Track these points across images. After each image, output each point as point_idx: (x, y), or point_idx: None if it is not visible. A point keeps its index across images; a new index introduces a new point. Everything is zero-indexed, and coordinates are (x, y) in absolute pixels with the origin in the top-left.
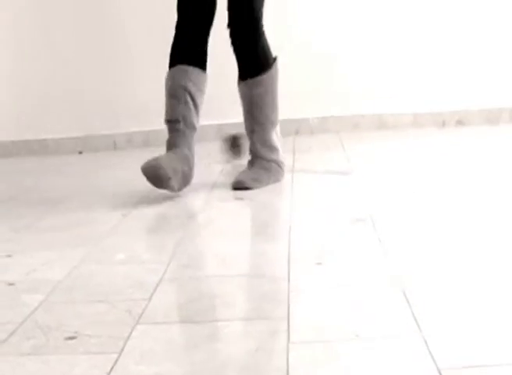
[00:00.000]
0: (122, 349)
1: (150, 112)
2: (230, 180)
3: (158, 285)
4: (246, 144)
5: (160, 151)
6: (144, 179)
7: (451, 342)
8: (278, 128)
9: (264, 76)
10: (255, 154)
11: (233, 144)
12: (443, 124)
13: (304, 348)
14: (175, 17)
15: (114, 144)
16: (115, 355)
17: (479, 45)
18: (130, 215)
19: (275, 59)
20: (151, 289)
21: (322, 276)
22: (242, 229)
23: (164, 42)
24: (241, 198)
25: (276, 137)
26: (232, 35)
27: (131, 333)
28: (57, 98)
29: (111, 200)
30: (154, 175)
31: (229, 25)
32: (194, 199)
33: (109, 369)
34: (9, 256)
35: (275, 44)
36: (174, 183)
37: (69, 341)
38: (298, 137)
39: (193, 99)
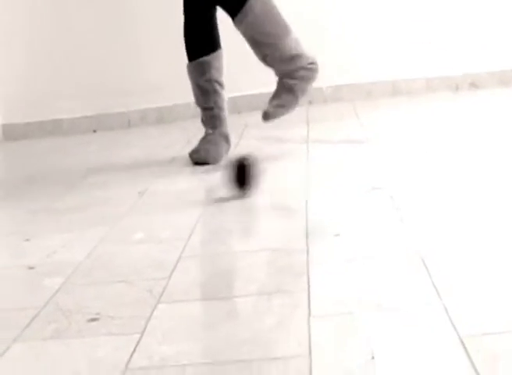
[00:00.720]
0: (145, 329)
1: (162, 89)
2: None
3: (177, 263)
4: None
5: (174, 126)
6: (161, 157)
7: (471, 310)
8: (293, 38)
9: (247, 6)
10: (278, 73)
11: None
12: (457, 88)
13: (326, 321)
14: None
15: (128, 122)
16: (138, 336)
17: (490, 7)
18: (147, 193)
19: None
20: (170, 267)
21: (341, 247)
22: (259, 202)
23: (175, 19)
24: None
25: (294, 46)
26: None
27: (152, 312)
28: (70, 77)
29: (126, 178)
30: (203, 161)
31: None
32: (210, 174)
33: (132, 349)
34: (28, 240)
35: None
36: (219, 161)
37: (91, 323)
38: (312, 107)
39: (219, 83)
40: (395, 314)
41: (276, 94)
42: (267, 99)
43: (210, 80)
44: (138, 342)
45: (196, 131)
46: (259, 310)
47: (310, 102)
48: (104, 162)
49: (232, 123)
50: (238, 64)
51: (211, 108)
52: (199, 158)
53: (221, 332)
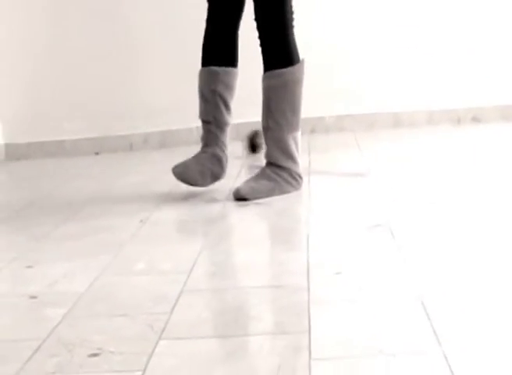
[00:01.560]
0: (146, 366)
1: (165, 113)
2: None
3: (179, 297)
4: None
5: (176, 151)
6: (162, 183)
7: (471, 357)
8: (298, 138)
9: (284, 71)
10: (268, 157)
11: (253, 139)
12: (458, 121)
13: (327, 365)
14: (190, 20)
15: (130, 146)
16: (140, 373)
17: (493, 41)
18: (148, 221)
19: (300, 62)
20: (172, 302)
21: (342, 286)
22: (261, 236)
23: (179, 44)
24: (259, 203)
25: (295, 146)
26: (259, 28)
27: (154, 349)
28: (73, 99)
29: (128, 205)
30: (183, 179)
31: (256, 19)
32: (212, 203)
33: None
34: (30, 267)
35: None
36: (201, 183)
37: (93, 358)
38: (314, 136)
39: (223, 100)
40: (396, 360)
41: (255, 178)
42: None
43: (214, 92)
44: None
45: None
46: (261, 351)
47: (312, 131)
48: (106, 188)
49: (234, 150)
50: (242, 91)
51: (209, 123)
52: (178, 174)
53: (223, 372)
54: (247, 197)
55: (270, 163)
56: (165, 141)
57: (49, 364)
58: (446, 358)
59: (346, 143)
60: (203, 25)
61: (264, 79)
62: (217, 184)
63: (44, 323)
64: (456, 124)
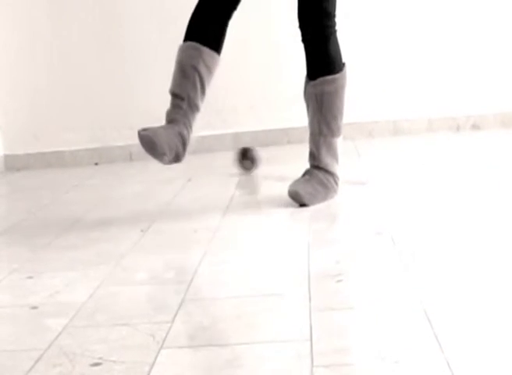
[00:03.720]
0: None
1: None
2: (246, 192)
3: (180, 306)
4: (257, 158)
5: None
6: (162, 193)
7: (473, 363)
8: (340, 142)
9: (337, 76)
10: (318, 162)
11: (244, 156)
12: (458, 128)
13: (329, 372)
14: None
15: (130, 156)
16: None
17: (493, 49)
18: (149, 230)
19: (344, 64)
20: (173, 311)
21: (343, 294)
22: (261, 245)
23: None
24: (259, 213)
25: (339, 149)
26: (303, 31)
27: (156, 358)
28: (73, 110)
29: (129, 215)
30: (151, 147)
31: (300, 21)
32: (212, 213)
33: None
34: (31, 278)
35: (290, 53)
36: (166, 158)
37: (95, 368)
38: None
39: (201, 81)
40: (398, 367)
41: (311, 183)
42: (270, 135)
43: (195, 69)
44: None
45: (196, 167)
46: (263, 359)
47: None
48: (106, 198)
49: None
50: (241, 100)
51: (182, 99)
52: (146, 137)
53: None
54: (306, 202)
55: (320, 168)
56: None
57: (51, 374)
58: (448, 364)
59: (346, 151)
60: None
61: (315, 86)
62: (217, 194)
63: (45, 333)
64: (455, 131)
